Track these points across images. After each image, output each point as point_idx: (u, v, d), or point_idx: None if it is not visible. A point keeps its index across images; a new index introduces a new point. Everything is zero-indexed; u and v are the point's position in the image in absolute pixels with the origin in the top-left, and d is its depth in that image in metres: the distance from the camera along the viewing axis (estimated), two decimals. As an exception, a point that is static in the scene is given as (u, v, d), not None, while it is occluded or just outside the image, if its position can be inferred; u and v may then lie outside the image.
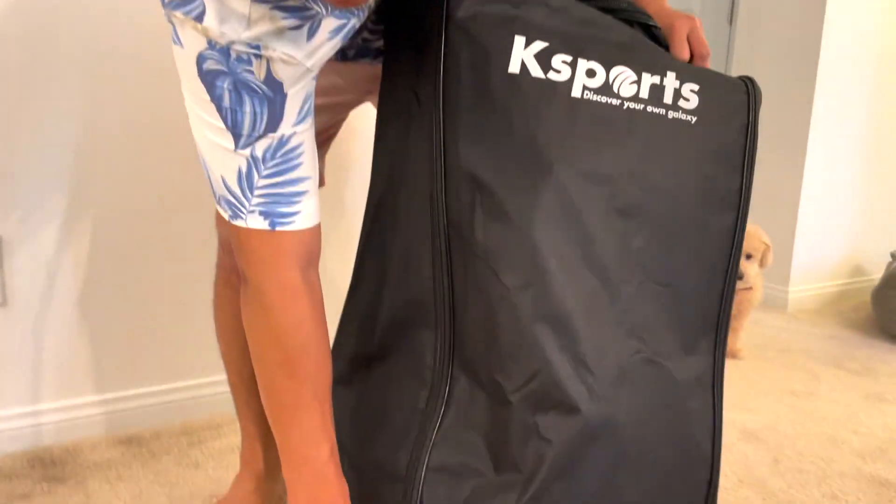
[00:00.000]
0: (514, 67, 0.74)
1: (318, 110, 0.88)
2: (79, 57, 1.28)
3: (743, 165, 0.85)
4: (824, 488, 1.30)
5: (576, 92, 0.76)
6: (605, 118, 0.77)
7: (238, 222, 0.76)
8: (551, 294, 0.73)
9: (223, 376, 1.52)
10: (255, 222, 0.75)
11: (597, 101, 0.77)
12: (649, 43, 0.84)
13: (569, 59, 0.76)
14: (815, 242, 2.70)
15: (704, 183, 0.83)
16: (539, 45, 0.75)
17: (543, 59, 0.75)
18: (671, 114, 0.80)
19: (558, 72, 0.76)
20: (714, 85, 0.83)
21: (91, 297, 1.37)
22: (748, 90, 0.86)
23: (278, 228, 0.75)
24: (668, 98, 0.80)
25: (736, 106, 0.85)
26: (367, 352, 0.86)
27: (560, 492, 0.74)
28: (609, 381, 0.75)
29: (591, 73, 0.77)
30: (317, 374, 0.80)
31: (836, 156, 2.67)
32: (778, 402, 1.74)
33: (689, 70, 0.82)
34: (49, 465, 1.28)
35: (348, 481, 0.82)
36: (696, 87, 0.82)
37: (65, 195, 1.31)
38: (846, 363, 2.07)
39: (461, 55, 0.74)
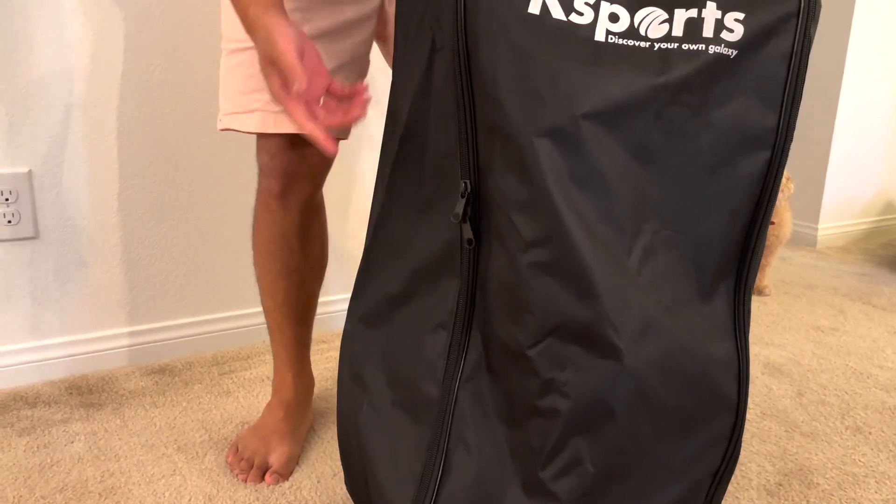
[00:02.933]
0: (534, 7, 0.70)
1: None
2: (101, -12, 1.27)
3: (782, 100, 0.77)
4: (847, 421, 1.31)
5: (599, 36, 0.71)
6: (632, 61, 0.72)
7: None
8: (569, 249, 0.71)
9: (252, 309, 1.56)
10: None
11: (623, 44, 0.72)
12: None
13: (592, 0, 0.71)
14: (845, 180, 2.65)
15: (735, 122, 0.77)
16: None
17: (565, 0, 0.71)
18: (712, 48, 0.73)
19: (581, 14, 0.71)
20: (761, 5, 0.75)
21: (122, 230, 1.39)
22: (800, 7, 0.76)
23: None
24: (707, 31, 0.73)
25: (780, 30, 0.76)
26: (391, 293, 0.85)
27: (580, 445, 0.74)
28: (631, 334, 0.73)
29: (614, 18, 0.72)
30: None
31: (870, 93, 2.60)
32: (803, 337, 1.74)
33: None
34: (86, 392, 1.32)
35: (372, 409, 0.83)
36: (740, 16, 0.74)
37: (91, 126, 1.32)
38: (873, 299, 2.05)
39: None
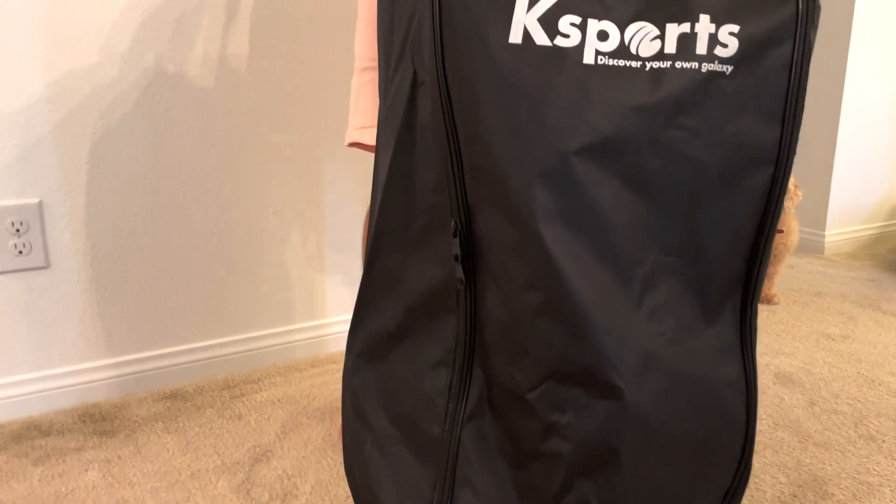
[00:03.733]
0: (514, 36, 0.65)
1: None
2: (103, 16, 1.29)
3: (784, 112, 0.73)
4: (861, 429, 1.30)
5: (588, 58, 0.67)
6: (623, 83, 0.68)
7: None
8: (562, 291, 0.68)
9: (261, 332, 1.57)
10: None
11: (613, 65, 0.68)
12: None
13: (577, 20, 0.67)
14: (851, 186, 2.65)
15: (737, 139, 0.73)
16: (545, 4, 0.66)
17: (549, 21, 0.66)
18: (706, 66, 0.70)
19: (566, 36, 0.66)
20: (757, 14, 0.71)
21: (131, 257, 1.40)
22: (797, 10, 0.71)
23: None
24: (701, 48, 0.69)
25: (777, 39, 0.72)
26: (388, 329, 0.82)
27: (586, 486, 0.72)
28: (632, 371, 0.70)
29: (602, 36, 0.67)
30: None
31: (872, 97, 2.60)
32: (813, 345, 1.73)
33: (729, 5, 0.71)
34: (99, 419, 1.32)
35: (377, 451, 0.82)
36: (735, 28, 0.70)
37: (100, 156, 1.33)
38: (883, 305, 2.04)
39: (457, 26, 0.66)
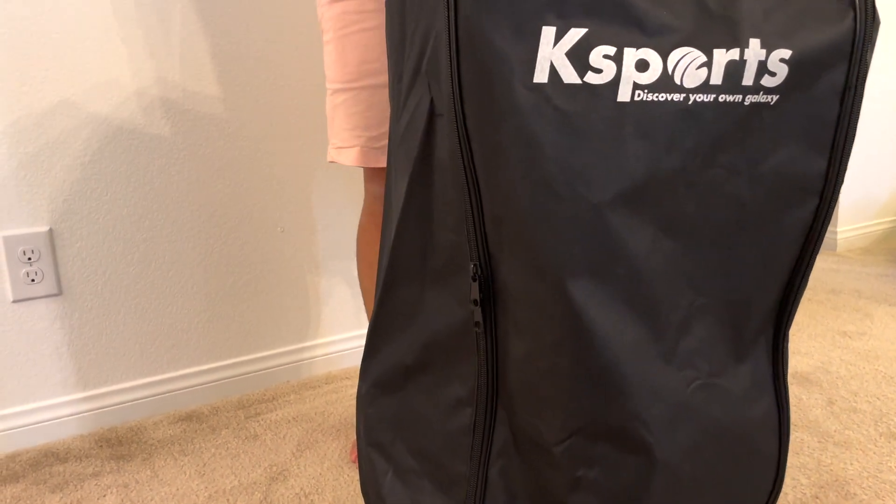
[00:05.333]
0: (540, 76, 0.58)
1: None
2: (109, 35, 1.30)
3: (834, 141, 0.66)
4: (881, 427, 1.29)
5: (623, 95, 0.60)
6: (661, 122, 0.61)
7: None
8: (592, 351, 0.63)
9: (274, 350, 1.57)
10: None
11: (652, 100, 0.60)
12: None
13: (612, 51, 0.58)
14: (862, 180, 2.63)
15: (779, 172, 0.67)
16: (575, 35, 0.57)
17: (579, 55, 0.58)
18: (749, 98, 0.63)
19: (599, 71, 0.58)
20: (810, 32, 0.63)
21: (143, 281, 1.41)
22: (855, 27, 0.63)
23: None
24: (748, 79, 0.62)
25: (831, 62, 0.64)
26: (405, 363, 0.78)
27: None
28: (662, 425, 0.67)
29: (642, 66, 0.59)
30: None
31: (882, 90, 2.58)
32: (830, 343, 1.72)
33: (781, 26, 0.63)
34: (115, 444, 1.33)
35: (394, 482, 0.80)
36: (786, 54, 0.62)
37: (108, 181, 1.34)
38: (899, 301, 2.03)
39: (477, 61, 0.59)
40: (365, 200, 1.15)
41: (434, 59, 0.63)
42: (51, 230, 1.31)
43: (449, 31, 0.58)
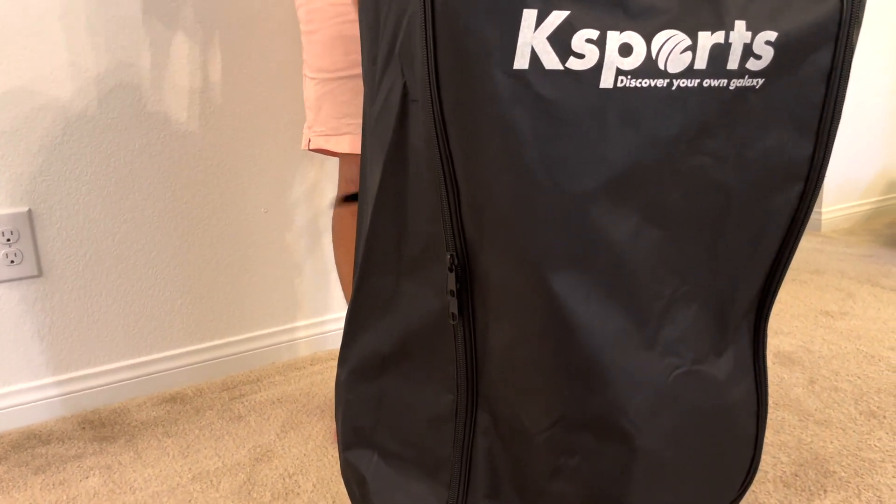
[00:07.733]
0: (520, 62, 0.56)
1: None
2: (96, 18, 1.28)
3: (819, 125, 0.66)
4: (861, 406, 1.30)
5: (606, 82, 0.57)
6: (645, 109, 0.59)
7: None
8: (573, 341, 0.63)
9: (258, 331, 1.56)
10: None
11: (636, 86, 0.59)
12: None
13: (595, 35, 0.56)
14: (846, 161, 2.64)
15: (765, 157, 0.66)
16: (557, 18, 0.55)
17: (561, 40, 0.56)
18: (735, 83, 0.62)
19: (581, 56, 0.56)
20: (796, 12, 0.62)
21: (124, 262, 1.39)
22: (842, 5, 0.62)
23: None
24: (733, 62, 0.61)
25: (817, 43, 0.63)
26: (383, 352, 0.77)
27: None
28: (643, 414, 0.67)
29: (626, 51, 0.57)
30: None
31: (867, 72, 2.59)
32: (812, 323, 1.73)
33: (766, 7, 0.61)
34: (98, 426, 1.32)
35: (375, 468, 0.80)
36: (772, 36, 0.61)
37: (87, 161, 1.33)
38: (881, 280, 2.04)
39: (454, 45, 0.56)
40: (339, 186, 1.15)
41: (407, 42, 0.60)
42: (30, 211, 1.29)
43: (425, 11, 0.55)
